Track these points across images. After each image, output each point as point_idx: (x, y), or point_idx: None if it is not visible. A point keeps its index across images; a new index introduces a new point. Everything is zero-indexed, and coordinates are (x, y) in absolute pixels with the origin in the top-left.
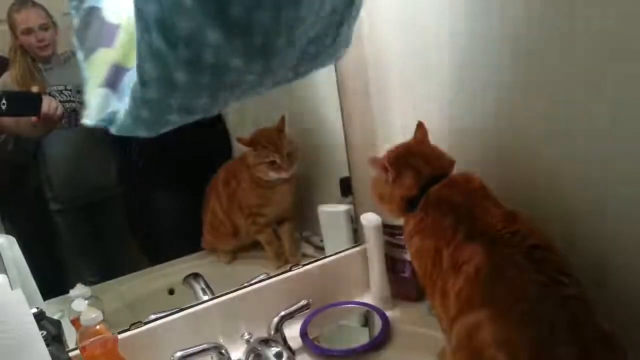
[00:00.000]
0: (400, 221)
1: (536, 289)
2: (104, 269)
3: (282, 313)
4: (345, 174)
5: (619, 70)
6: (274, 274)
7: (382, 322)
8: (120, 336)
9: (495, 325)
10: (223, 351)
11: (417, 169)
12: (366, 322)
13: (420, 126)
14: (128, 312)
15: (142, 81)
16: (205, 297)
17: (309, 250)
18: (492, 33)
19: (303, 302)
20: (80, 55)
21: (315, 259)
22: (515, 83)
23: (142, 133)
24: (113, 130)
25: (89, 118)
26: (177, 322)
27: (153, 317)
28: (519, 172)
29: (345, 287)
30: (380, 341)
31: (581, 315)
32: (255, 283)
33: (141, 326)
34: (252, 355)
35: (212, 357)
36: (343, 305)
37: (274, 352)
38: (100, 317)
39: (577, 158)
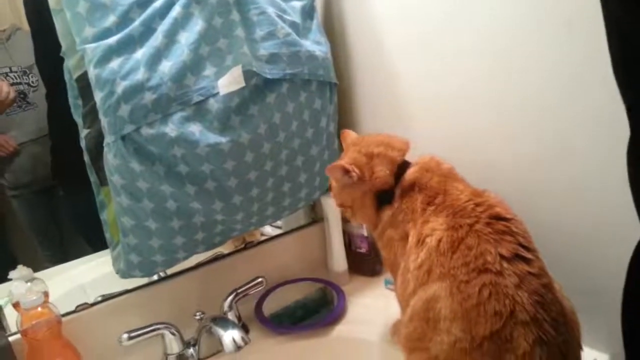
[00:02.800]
0: None
1: (497, 263)
2: (59, 252)
3: (236, 290)
4: None
5: None
6: (227, 252)
7: (339, 297)
8: (65, 318)
9: (453, 297)
10: (174, 330)
11: (387, 157)
12: (323, 297)
13: (346, 135)
14: (82, 294)
15: (123, 232)
16: (156, 277)
17: (267, 228)
18: None
19: (257, 279)
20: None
21: (272, 235)
22: None
23: (138, 275)
24: (118, 275)
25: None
26: (127, 304)
27: (100, 298)
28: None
29: (302, 263)
30: (337, 316)
31: (541, 293)
32: (208, 262)
33: (88, 308)
34: (204, 333)
35: (163, 337)
36: (299, 282)
37: (226, 328)
38: (42, 299)
39: None
